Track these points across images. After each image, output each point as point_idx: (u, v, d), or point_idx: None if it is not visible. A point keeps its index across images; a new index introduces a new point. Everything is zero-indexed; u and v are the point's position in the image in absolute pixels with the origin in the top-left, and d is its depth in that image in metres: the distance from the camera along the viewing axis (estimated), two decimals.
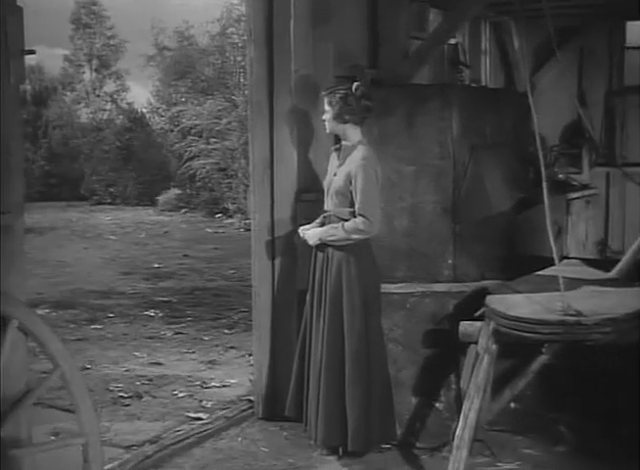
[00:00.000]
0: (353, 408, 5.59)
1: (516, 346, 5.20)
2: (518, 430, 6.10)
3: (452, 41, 8.71)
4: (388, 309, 5.99)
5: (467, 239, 6.37)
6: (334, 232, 5.67)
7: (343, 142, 5.77)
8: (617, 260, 7.17)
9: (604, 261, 8.19)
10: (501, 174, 6.66)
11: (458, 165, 6.36)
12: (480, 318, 5.07)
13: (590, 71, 10.30)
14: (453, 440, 5.06)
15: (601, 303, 5.15)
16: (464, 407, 5.04)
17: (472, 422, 4.96)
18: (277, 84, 6.41)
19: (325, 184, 5.87)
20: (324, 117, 5.78)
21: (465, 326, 5.14)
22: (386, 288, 6.09)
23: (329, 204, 5.80)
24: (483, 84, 9.82)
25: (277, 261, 6.50)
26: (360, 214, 5.57)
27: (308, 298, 5.90)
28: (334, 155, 5.87)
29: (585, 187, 9.92)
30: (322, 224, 5.82)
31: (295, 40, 6.35)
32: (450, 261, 6.37)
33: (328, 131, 5.86)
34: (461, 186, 6.36)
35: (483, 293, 5.40)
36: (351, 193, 5.60)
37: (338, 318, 5.65)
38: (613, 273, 6.57)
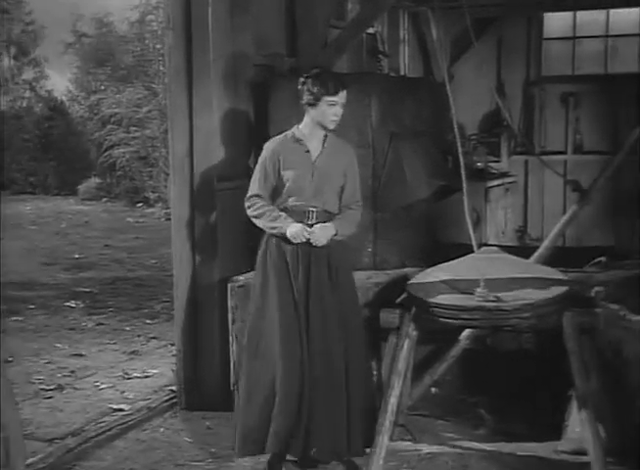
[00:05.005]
0: (355, 416, 5.29)
1: (436, 332, 5.27)
2: (438, 414, 6.17)
3: (371, 30, 8.75)
4: None
5: (387, 227, 6.41)
6: (349, 227, 5.39)
7: (328, 133, 5.34)
8: (537, 248, 7.30)
9: (523, 249, 8.31)
10: (420, 163, 6.72)
11: (377, 154, 6.39)
12: (401, 305, 5.11)
13: (509, 62, 10.45)
14: None
15: (520, 288, 5.23)
16: (385, 393, 5.09)
17: (393, 407, 5.01)
18: (196, 73, 6.36)
19: (297, 180, 5.28)
20: (340, 111, 5.28)
21: (386, 313, 5.18)
22: None
23: (314, 200, 5.29)
24: (402, 74, 9.89)
25: (197, 251, 6.48)
26: (359, 204, 5.45)
27: (278, 297, 5.27)
28: (293, 148, 5.31)
29: (504, 175, 10.07)
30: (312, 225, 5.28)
31: (213, 28, 6.31)
32: (370, 249, 6.42)
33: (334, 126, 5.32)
34: (380, 174, 6.40)
35: (404, 280, 5.45)
36: (343, 184, 5.39)
37: (327, 320, 5.26)
38: (532, 260, 6.68)
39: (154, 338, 8.79)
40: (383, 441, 5.05)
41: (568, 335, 4.86)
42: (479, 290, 4.79)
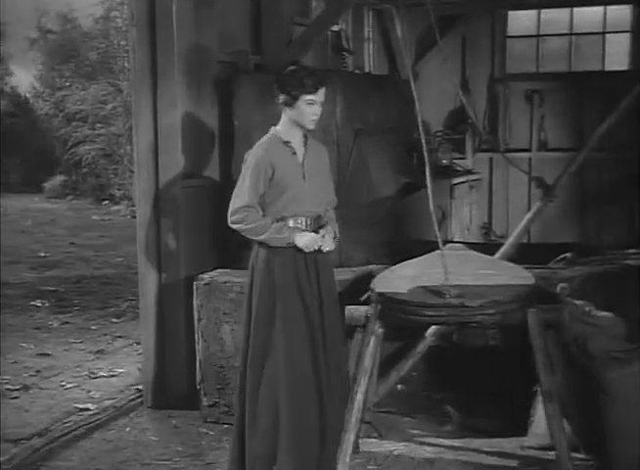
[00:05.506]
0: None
1: (401, 328, 5.29)
2: (405, 411, 6.19)
3: (335, 28, 8.76)
4: None
5: (352, 224, 6.41)
6: (337, 227, 5.17)
7: (308, 134, 5.09)
8: (501, 244, 7.34)
9: (488, 245, 8.37)
10: (385, 159, 6.73)
11: (342, 151, 6.40)
12: (367, 303, 5.12)
13: (473, 60, 10.49)
14: None
15: (485, 285, 5.25)
16: (351, 390, 5.09)
17: (359, 404, 5.01)
18: (160, 69, 6.34)
19: (292, 186, 4.96)
20: (319, 110, 4.99)
21: (351, 310, 5.18)
22: None
23: (312, 203, 5.03)
24: (367, 71, 9.90)
25: (162, 249, 6.45)
26: (334, 204, 5.26)
27: (282, 307, 4.96)
28: (282, 151, 4.99)
29: (469, 172, 10.12)
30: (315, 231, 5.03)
31: (177, 25, 6.28)
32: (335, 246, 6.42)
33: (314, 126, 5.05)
34: (345, 171, 6.41)
35: (369, 277, 5.46)
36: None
37: (339, 331, 5.10)
38: (496, 257, 6.71)
39: (120, 337, 8.75)
40: (349, 438, 5.05)
41: (533, 331, 4.88)
42: (444, 287, 4.80)
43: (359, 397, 5.03)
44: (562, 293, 5.63)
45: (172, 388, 6.51)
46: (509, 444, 5.75)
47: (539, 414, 5.42)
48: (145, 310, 6.62)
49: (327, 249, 5.01)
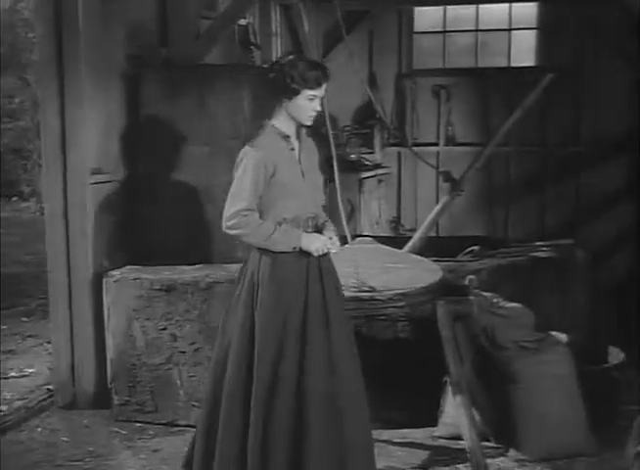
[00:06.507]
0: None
1: None
2: None
3: (243, 22, 8.73)
4: (188, 292, 5.99)
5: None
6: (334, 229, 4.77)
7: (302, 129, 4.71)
8: (410, 238, 7.43)
9: (397, 239, 8.43)
10: None
11: None
12: None
13: (380, 55, 10.56)
14: None
15: (394, 278, 5.31)
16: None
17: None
18: (66, 63, 6.22)
19: (294, 185, 4.54)
20: (318, 106, 4.57)
21: None
22: (182, 270, 6.12)
23: (311, 204, 4.62)
24: None
25: (71, 246, 6.37)
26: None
27: (298, 322, 4.49)
28: (282, 147, 4.56)
29: (377, 166, 10.19)
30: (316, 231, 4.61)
31: (83, 17, 6.17)
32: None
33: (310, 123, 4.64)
34: None
35: None
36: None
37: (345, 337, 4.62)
38: (405, 250, 6.79)
39: (30, 336, 8.61)
40: None
41: (441, 323, 4.96)
42: (353, 281, 4.84)
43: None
44: (470, 285, 5.73)
45: (83, 387, 6.44)
46: (419, 434, 5.82)
47: (449, 404, 5.50)
48: (54, 309, 6.53)
49: (334, 251, 4.60)
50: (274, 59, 9.58)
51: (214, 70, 6.82)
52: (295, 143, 4.60)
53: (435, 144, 10.35)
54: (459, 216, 9.73)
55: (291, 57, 4.59)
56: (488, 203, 10.15)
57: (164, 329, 6.04)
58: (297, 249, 4.47)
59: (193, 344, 6.01)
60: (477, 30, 10.61)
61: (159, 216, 6.55)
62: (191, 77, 6.49)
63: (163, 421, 6.11)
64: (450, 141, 10.31)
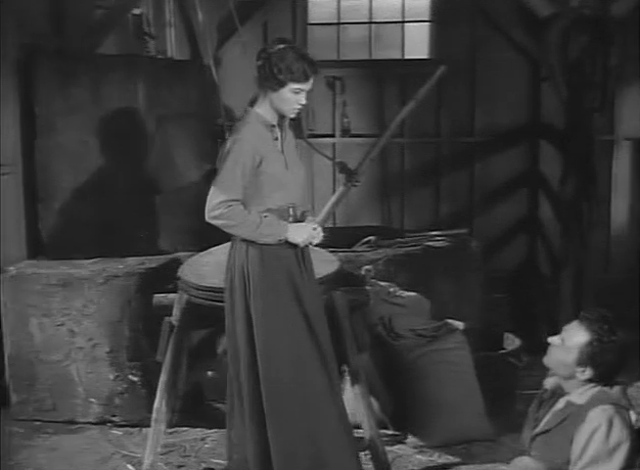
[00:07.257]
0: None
1: (210, 316, 5.27)
2: (214, 398, 6.17)
3: (137, 11, 8.61)
4: (83, 286, 5.90)
5: (157, 211, 6.38)
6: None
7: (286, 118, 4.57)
8: None
9: None
10: (189, 146, 6.71)
11: (145, 137, 6.34)
12: (175, 290, 5.08)
13: None
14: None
15: None
16: (160, 380, 5.06)
17: (163, 394, 5.00)
18: None
19: (279, 175, 4.47)
20: (305, 99, 4.48)
21: (159, 298, 5.14)
22: (79, 264, 6.02)
23: (295, 195, 4.57)
24: (170, 56, 9.78)
25: None
26: None
27: (291, 318, 4.51)
28: (267, 137, 4.47)
29: None
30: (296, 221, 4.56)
31: None
32: (141, 234, 6.35)
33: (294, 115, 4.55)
34: (149, 157, 6.35)
35: (176, 264, 5.43)
36: None
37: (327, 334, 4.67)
38: None
39: None
40: (160, 428, 5.03)
41: (339, 313, 4.96)
42: None
43: (163, 386, 5.02)
44: (366, 275, 5.77)
45: None
46: None
47: (347, 394, 5.51)
48: None
49: (317, 241, 4.60)
50: (168, 49, 9.54)
51: (108, 61, 6.73)
52: (278, 132, 4.50)
53: (332, 135, 10.36)
54: (355, 207, 9.77)
55: (280, 46, 4.47)
56: (384, 193, 10.20)
57: (62, 325, 5.94)
58: (283, 240, 4.44)
59: (91, 340, 5.93)
60: (370, 22, 10.66)
61: (55, 210, 6.44)
62: (85, 67, 6.39)
63: (62, 419, 6.01)
64: (346, 132, 10.32)
